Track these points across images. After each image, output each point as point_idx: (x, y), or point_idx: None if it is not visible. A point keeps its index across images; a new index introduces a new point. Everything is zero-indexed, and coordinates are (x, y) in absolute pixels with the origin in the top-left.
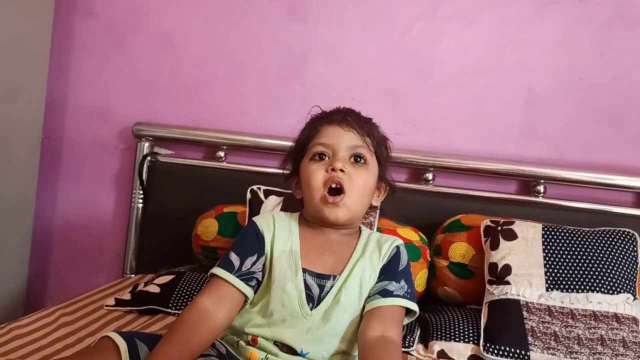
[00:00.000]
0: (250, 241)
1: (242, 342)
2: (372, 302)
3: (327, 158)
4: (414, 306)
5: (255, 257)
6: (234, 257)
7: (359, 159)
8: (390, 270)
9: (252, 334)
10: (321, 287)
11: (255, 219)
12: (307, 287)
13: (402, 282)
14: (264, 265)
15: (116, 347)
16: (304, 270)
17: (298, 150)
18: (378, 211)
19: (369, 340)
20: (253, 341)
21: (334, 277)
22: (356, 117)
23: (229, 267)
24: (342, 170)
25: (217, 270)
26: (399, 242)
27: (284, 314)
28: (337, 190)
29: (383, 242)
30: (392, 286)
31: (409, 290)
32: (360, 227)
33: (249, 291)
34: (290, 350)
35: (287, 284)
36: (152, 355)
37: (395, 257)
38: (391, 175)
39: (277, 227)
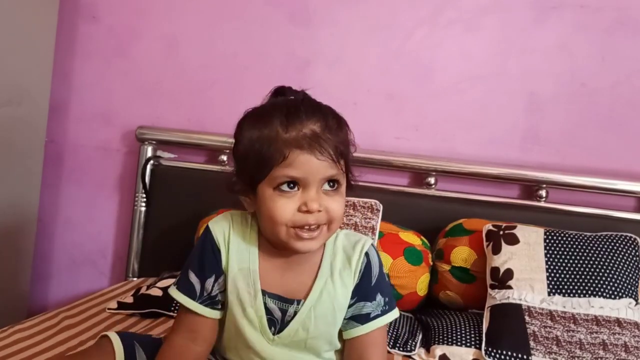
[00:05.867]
0: (208, 259)
1: None
2: (350, 330)
3: (296, 188)
4: (393, 316)
5: (213, 278)
6: (194, 279)
7: (332, 185)
8: (363, 289)
9: (228, 359)
10: (283, 312)
11: (211, 226)
12: (268, 312)
13: (378, 297)
14: (224, 283)
15: (113, 351)
16: (264, 293)
17: (252, 166)
18: (380, 215)
19: None
20: None
21: (298, 301)
22: (327, 131)
23: (190, 292)
24: (319, 211)
25: (179, 297)
26: (367, 244)
27: (247, 339)
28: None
29: (352, 253)
30: (368, 307)
31: (387, 300)
32: None
33: (216, 314)
34: None
35: (247, 308)
36: None
37: (366, 271)
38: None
39: (232, 239)
